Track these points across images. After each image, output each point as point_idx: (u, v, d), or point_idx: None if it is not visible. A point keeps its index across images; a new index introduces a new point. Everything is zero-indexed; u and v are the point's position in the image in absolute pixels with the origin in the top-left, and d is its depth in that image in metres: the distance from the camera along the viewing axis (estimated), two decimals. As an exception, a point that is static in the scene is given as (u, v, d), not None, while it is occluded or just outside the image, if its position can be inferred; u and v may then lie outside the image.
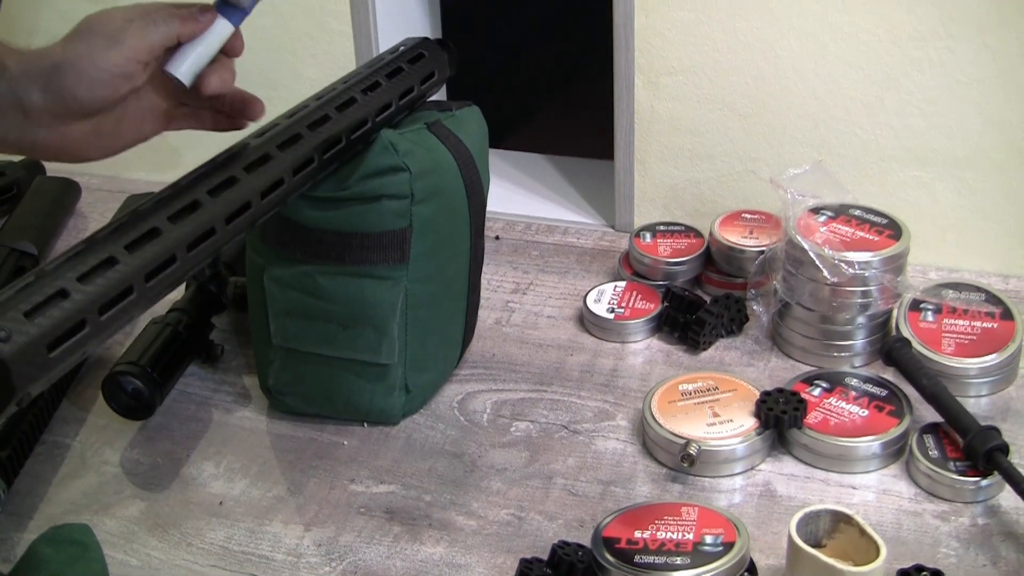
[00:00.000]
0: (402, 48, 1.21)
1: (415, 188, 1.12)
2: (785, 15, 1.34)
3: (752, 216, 1.38)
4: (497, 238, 1.51)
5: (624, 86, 1.42)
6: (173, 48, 0.95)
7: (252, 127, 1.06)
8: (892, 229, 1.23)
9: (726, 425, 1.11)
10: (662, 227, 1.41)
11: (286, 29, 1.55)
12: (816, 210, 1.25)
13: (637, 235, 1.40)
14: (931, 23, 1.29)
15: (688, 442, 1.09)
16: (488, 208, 1.51)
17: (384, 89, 1.13)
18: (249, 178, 0.98)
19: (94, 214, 1.62)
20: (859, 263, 1.19)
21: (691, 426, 1.11)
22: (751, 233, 1.35)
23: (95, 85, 0.90)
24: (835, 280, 1.18)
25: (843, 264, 1.18)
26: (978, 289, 1.26)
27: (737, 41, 1.37)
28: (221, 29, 0.96)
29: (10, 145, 0.93)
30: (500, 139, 2.05)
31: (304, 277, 1.14)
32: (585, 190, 1.61)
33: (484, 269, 1.36)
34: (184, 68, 0.95)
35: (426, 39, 1.23)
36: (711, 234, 1.37)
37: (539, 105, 2.56)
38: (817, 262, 1.19)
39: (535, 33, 2.65)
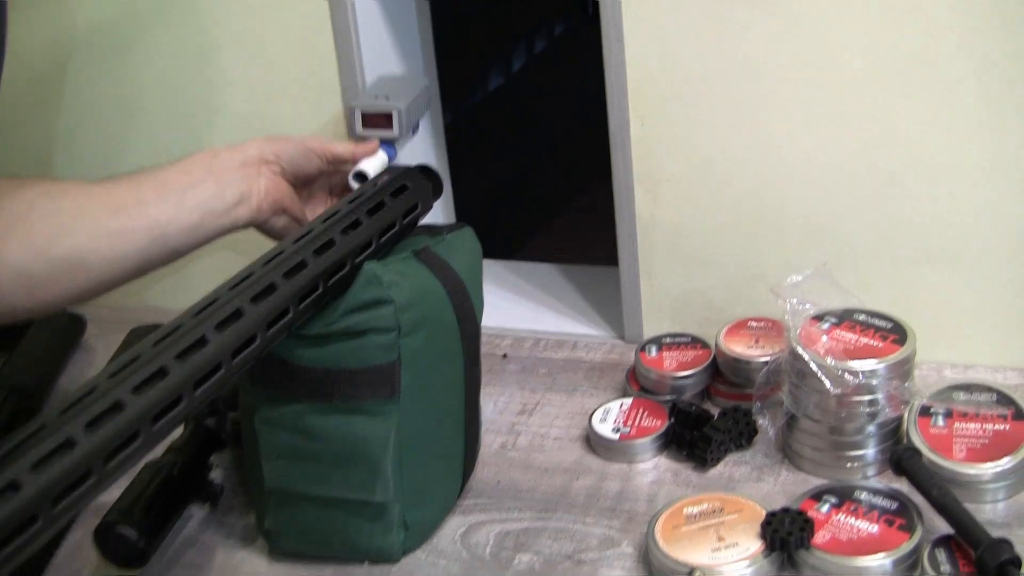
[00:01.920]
0: (385, 179, 1.20)
1: (401, 320, 1.09)
2: (781, 119, 1.32)
3: (758, 324, 1.35)
4: (505, 356, 1.49)
5: (624, 195, 1.40)
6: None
7: (230, 272, 1.05)
8: (897, 333, 1.19)
9: (732, 550, 1.07)
10: (668, 339, 1.38)
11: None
12: (819, 317, 1.22)
13: (643, 349, 1.37)
14: (929, 118, 1.26)
15: (692, 570, 1.05)
16: (496, 324, 1.50)
17: (365, 227, 1.12)
18: (220, 337, 0.95)
19: (100, 346, 1.61)
20: (863, 372, 1.15)
21: (696, 552, 1.07)
22: (757, 342, 1.32)
23: (308, 158, 1.26)
24: (839, 391, 1.15)
25: (847, 374, 1.15)
26: (988, 389, 1.21)
27: (735, 146, 1.35)
28: (383, 156, 1.31)
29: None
30: (511, 251, 2.05)
31: (294, 417, 1.12)
32: (595, 300, 1.58)
33: (490, 390, 1.34)
34: (371, 168, 1.28)
35: (409, 169, 1.22)
36: (717, 345, 1.33)
37: (548, 215, 2.57)
38: (819, 373, 1.15)
39: (539, 145, 2.66)
